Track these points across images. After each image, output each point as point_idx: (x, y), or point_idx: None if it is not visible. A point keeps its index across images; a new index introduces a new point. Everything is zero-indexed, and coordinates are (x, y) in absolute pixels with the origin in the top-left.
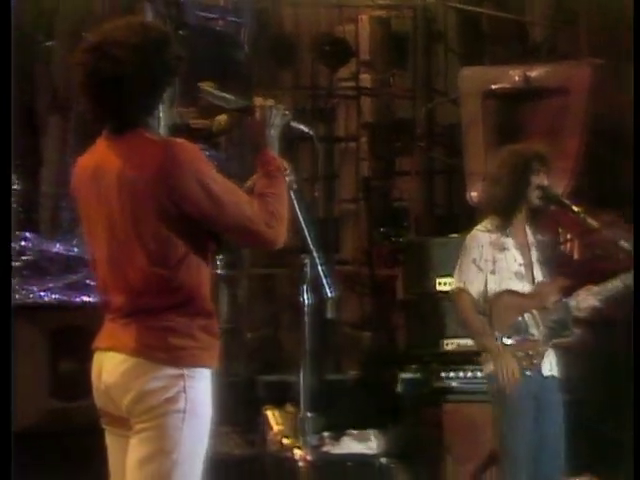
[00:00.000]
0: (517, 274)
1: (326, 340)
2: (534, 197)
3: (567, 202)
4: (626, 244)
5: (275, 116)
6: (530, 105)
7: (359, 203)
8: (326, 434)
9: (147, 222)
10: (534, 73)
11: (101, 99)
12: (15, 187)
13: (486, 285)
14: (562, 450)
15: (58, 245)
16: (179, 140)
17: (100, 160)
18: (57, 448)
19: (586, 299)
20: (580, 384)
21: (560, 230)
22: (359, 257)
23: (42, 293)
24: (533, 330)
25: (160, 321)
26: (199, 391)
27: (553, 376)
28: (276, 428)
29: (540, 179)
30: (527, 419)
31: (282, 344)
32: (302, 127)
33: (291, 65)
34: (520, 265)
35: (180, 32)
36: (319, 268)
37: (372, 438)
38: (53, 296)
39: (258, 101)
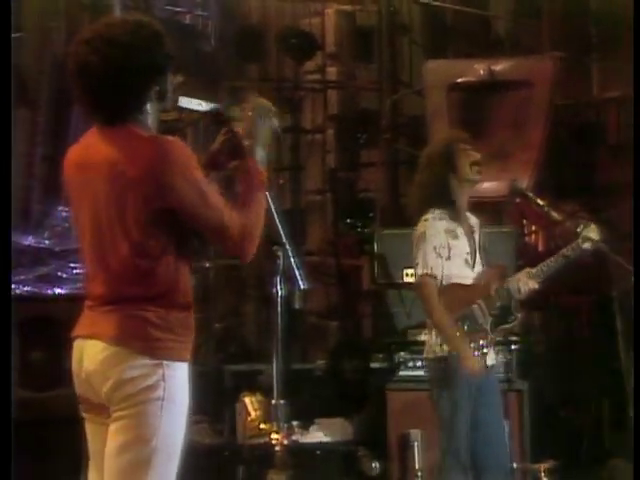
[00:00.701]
0: (466, 262)
1: (293, 330)
2: (472, 173)
3: (531, 195)
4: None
5: (264, 121)
6: (494, 98)
7: (325, 194)
8: (295, 423)
9: (132, 214)
10: (498, 67)
11: (90, 92)
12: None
13: (442, 272)
14: (505, 436)
15: (29, 237)
16: (170, 138)
17: (89, 151)
18: (26, 438)
19: (526, 282)
20: (538, 371)
21: (524, 222)
22: (325, 248)
23: (14, 285)
24: (481, 320)
25: (139, 311)
26: (177, 380)
27: (493, 365)
28: (254, 414)
29: (472, 156)
30: (468, 405)
31: (249, 334)
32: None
33: (257, 58)
34: (467, 253)
35: None
36: (292, 260)
37: (340, 426)
38: (24, 288)
39: (249, 105)
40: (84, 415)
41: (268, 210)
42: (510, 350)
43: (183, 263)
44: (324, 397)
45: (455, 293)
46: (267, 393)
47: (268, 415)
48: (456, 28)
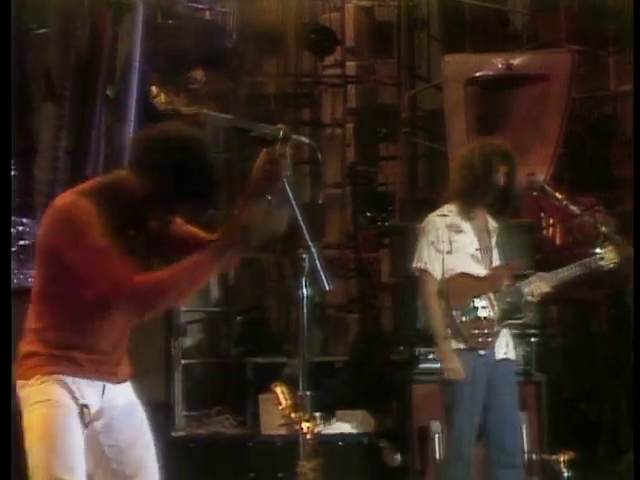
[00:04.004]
0: (473, 257)
1: (313, 322)
2: (491, 195)
3: (550, 190)
4: (606, 229)
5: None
6: (512, 92)
7: (345, 188)
8: (317, 414)
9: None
10: (516, 61)
11: None
12: (12, 173)
13: (443, 265)
14: (516, 429)
15: None
16: (71, 203)
17: None
18: None
19: (539, 286)
20: (560, 364)
21: (542, 215)
22: (345, 241)
23: (33, 278)
24: (488, 311)
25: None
26: None
27: (508, 359)
28: (284, 403)
29: (501, 179)
30: (478, 398)
31: (270, 327)
32: (303, 139)
33: (277, 53)
34: (477, 249)
35: (170, 22)
36: (316, 262)
37: (361, 418)
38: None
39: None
40: None
41: (292, 212)
42: (529, 343)
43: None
44: (345, 389)
45: (463, 282)
46: (290, 385)
47: (296, 406)
48: (474, 22)
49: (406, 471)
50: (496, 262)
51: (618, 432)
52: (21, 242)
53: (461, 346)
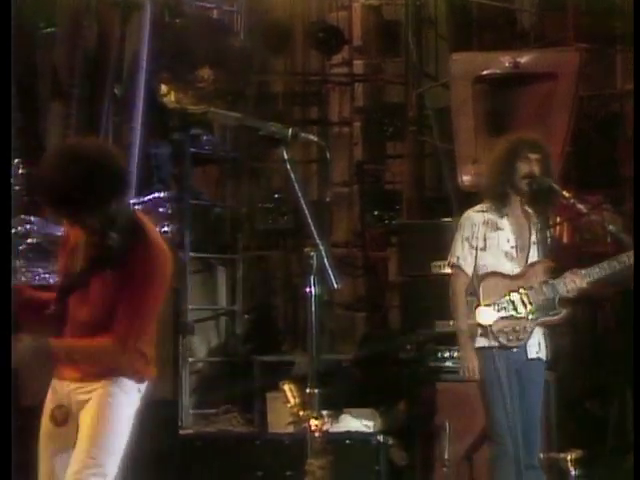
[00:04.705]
0: (507, 254)
1: (320, 321)
2: (523, 184)
3: (558, 188)
4: (614, 228)
5: None
6: (519, 90)
7: (352, 187)
8: (325, 412)
9: None
10: (523, 59)
11: None
12: (20, 171)
13: (476, 261)
14: (538, 429)
15: (62, 229)
16: None
17: None
18: None
19: (574, 281)
20: (567, 362)
21: (549, 214)
22: (352, 240)
23: (47, 275)
24: (520, 308)
25: None
26: None
27: (539, 358)
28: (293, 401)
29: (530, 166)
30: (511, 395)
31: (278, 325)
32: (311, 137)
33: (285, 52)
34: (512, 247)
35: (177, 21)
36: (325, 260)
37: (369, 416)
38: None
39: None
40: None
41: (301, 211)
42: None
43: None
44: (352, 388)
45: (496, 279)
46: (296, 383)
47: (304, 404)
48: (482, 21)
49: (413, 470)
50: (533, 259)
51: (625, 430)
52: (29, 240)
53: (491, 344)
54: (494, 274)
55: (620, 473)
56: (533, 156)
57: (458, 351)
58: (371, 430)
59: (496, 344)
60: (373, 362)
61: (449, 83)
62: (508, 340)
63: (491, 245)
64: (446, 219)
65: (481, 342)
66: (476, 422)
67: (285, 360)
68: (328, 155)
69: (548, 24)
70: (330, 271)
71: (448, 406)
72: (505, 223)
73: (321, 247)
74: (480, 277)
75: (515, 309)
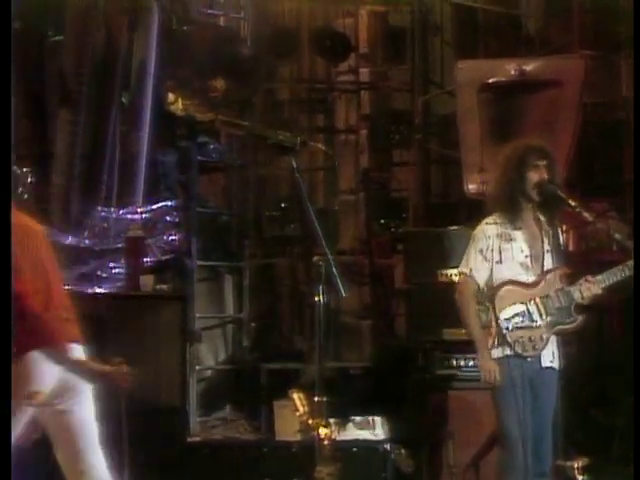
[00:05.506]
0: (522, 264)
1: (327, 329)
2: (534, 193)
3: (564, 196)
4: (619, 236)
5: None
6: (524, 98)
7: (358, 194)
8: (332, 420)
9: None
10: (529, 66)
11: None
12: (29, 180)
13: (492, 274)
14: (550, 437)
15: (69, 237)
16: None
17: None
18: None
19: (589, 288)
20: (575, 370)
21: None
22: (358, 247)
23: None
24: (536, 317)
25: None
26: None
27: (552, 367)
28: (302, 409)
29: (540, 173)
30: (524, 403)
31: (284, 333)
32: (320, 146)
33: (291, 59)
34: (526, 257)
35: (185, 28)
36: (333, 269)
37: (376, 424)
38: (65, 287)
39: None
40: None
41: (309, 219)
42: None
43: None
44: (359, 396)
45: (511, 289)
46: (307, 392)
47: (313, 412)
48: (487, 28)
49: (420, 477)
50: (548, 266)
51: (631, 438)
52: None
53: (507, 352)
54: (510, 283)
55: None
56: (541, 163)
57: (475, 359)
58: (378, 438)
59: (511, 353)
60: (379, 370)
61: (455, 91)
62: (524, 349)
63: (506, 257)
64: (452, 227)
65: (496, 352)
66: (483, 429)
67: (292, 368)
68: (336, 163)
69: (553, 31)
70: (338, 280)
71: (455, 413)
72: (518, 234)
73: (329, 256)
74: (496, 287)
75: (531, 318)
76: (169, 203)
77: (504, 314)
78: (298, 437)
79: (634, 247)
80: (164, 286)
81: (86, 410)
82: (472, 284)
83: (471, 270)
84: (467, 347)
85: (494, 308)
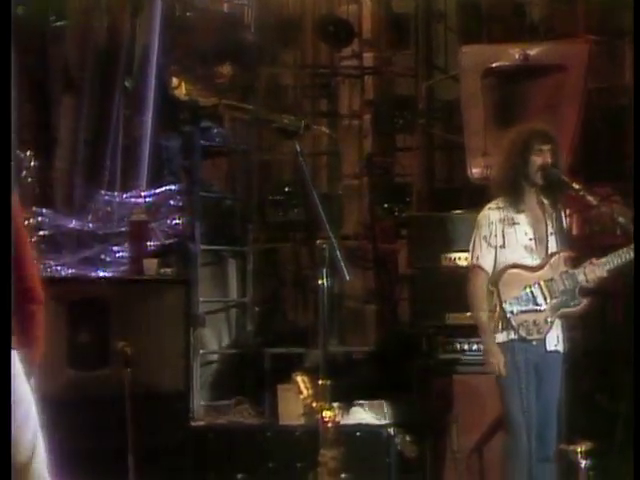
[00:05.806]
0: (527, 248)
1: (331, 313)
2: (537, 177)
3: (567, 180)
4: (623, 220)
5: None
6: (528, 82)
7: (362, 179)
8: (335, 404)
9: None
10: (533, 51)
11: None
12: (32, 164)
13: (496, 258)
14: (555, 422)
15: (73, 221)
16: None
17: None
18: (73, 416)
19: (594, 270)
20: (579, 354)
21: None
22: (362, 232)
23: (59, 267)
24: (540, 300)
25: None
26: None
27: (557, 351)
28: (306, 392)
29: (543, 157)
30: (529, 387)
31: (288, 317)
32: (323, 130)
33: (294, 45)
34: (530, 239)
35: (188, 14)
36: (336, 253)
37: (379, 408)
38: (69, 270)
39: None
40: None
41: (313, 204)
42: None
43: None
44: (363, 380)
45: (515, 272)
46: (307, 375)
47: (317, 395)
48: (491, 13)
49: (424, 462)
50: (552, 249)
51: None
52: (41, 232)
53: (512, 336)
54: (514, 267)
55: (630, 465)
56: (545, 147)
57: (480, 344)
58: (382, 422)
59: (516, 337)
60: (383, 354)
61: (459, 75)
62: (528, 333)
63: (510, 241)
64: (456, 211)
65: (501, 336)
66: (487, 414)
67: (296, 352)
68: (339, 148)
69: (557, 16)
70: (342, 263)
71: (459, 398)
72: (522, 217)
73: (333, 240)
74: (500, 271)
75: (536, 302)
76: (173, 187)
77: (508, 297)
78: (302, 421)
79: (634, 232)
80: (168, 270)
81: None
82: (483, 274)
83: (478, 258)
84: (471, 331)
85: (498, 292)
